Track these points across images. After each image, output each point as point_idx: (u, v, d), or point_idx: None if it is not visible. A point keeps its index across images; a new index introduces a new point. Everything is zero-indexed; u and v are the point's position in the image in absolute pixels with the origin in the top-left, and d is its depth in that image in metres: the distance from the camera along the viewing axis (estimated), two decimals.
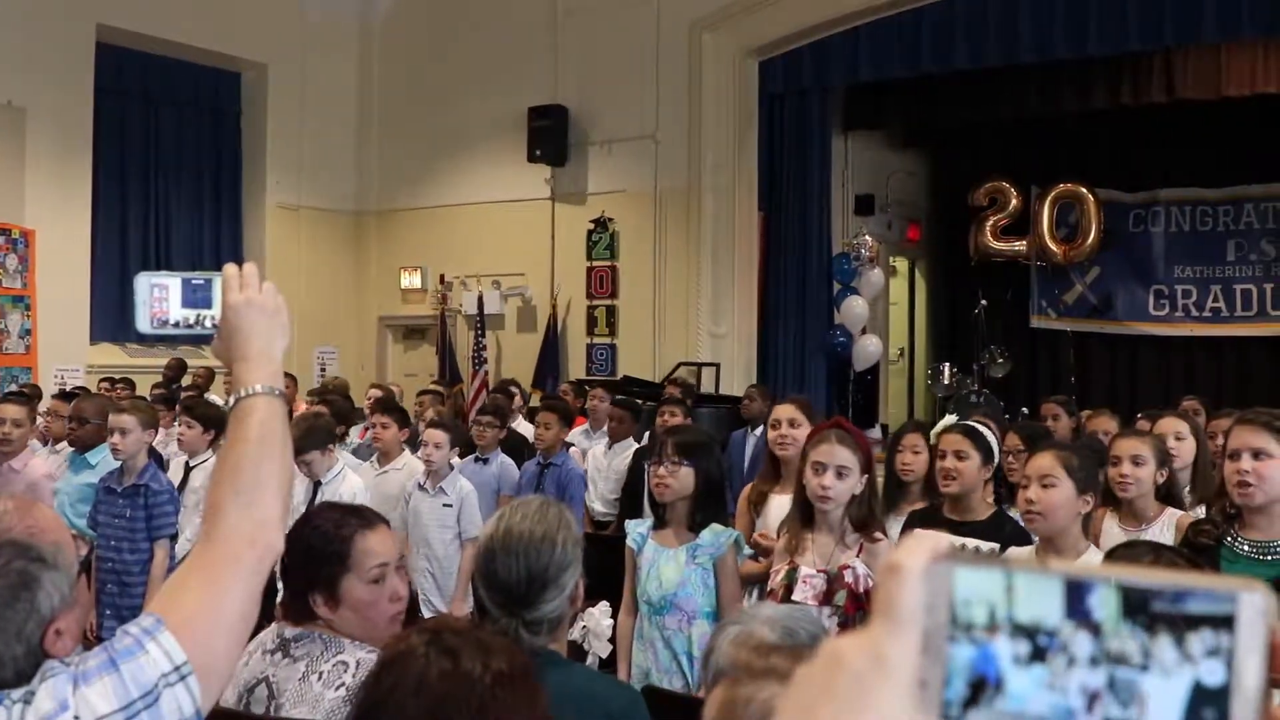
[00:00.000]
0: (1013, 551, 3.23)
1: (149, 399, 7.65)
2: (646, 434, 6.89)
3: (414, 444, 5.76)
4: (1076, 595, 0.47)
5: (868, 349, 11.75)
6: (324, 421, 5.31)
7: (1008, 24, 9.98)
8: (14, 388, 8.28)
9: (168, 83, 12.03)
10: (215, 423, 5.32)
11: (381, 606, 2.27)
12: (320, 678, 2.15)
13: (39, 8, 10.39)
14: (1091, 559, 3.04)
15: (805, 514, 3.32)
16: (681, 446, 3.46)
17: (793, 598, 3.15)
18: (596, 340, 11.69)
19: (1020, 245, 12.97)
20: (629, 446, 6.89)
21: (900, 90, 11.55)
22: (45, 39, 10.41)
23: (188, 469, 5.45)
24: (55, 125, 10.61)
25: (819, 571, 3.21)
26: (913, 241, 13.77)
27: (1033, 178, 12.87)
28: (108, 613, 4.61)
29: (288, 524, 1.59)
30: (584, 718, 2.01)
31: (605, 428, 7.38)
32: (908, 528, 3.72)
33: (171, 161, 12.14)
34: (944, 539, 0.51)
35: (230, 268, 1.65)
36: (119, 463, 4.81)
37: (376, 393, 7.98)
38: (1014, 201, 12.91)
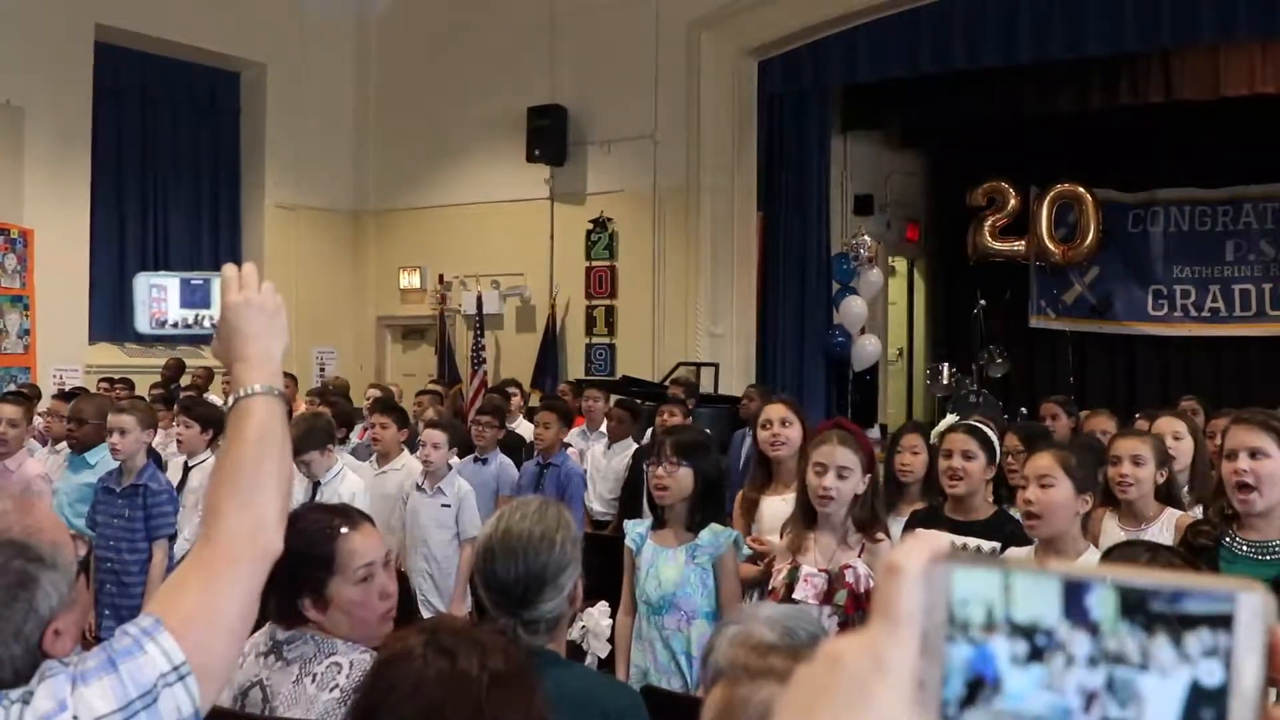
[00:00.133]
0: (1012, 551, 3.23)
1: (147, 399, 7.65)
2: (648, 433, 6.89)
3: (413, 444, 5.76)
4: (1074, 595, 0.47)
5: (866, 349, 11.75)
6: (323, 422, 5.31)
7: (1006, 24, 9.98)
8: (12, 387, 8.27)
9: (166, 82, 12.02)
10: (214, 423, 5.32)
11: (371, 606, 2.25)
12: (314, 680, 2.14)
13: (37, 7, 10.39)
14: (1091, 559, 3.05)
15: (808, 514, 3.32)
16: (680, 447, 3.46)
17: (794, 596, 3.16)
18: (595, 340, 11.69)
19: (1019, 245, 12.99)
20: (628, 446, 6.89)
21: (899, 90, 11.55)
22: (44, 38, 10.40)
23: (186, 469, 5.44)
24: (54, 125, 10.61)
25: (820, 571, 3.21)
26: (911, 241, 13.78)
27: (1031, 178, 12.88)
28: (106, 613, 4.61)
29: None
30: (582, 718, 2.01)
31: (602, 428, 7.39)
32: (909, 528, 3.73)
33: (170, 161, 12.13)
34: (943, 539, 0.51)
35: (229, 268, 1.65)
36: (118, 463, 4.81)
37: (375, 393, 7.98)
38: (1013, 201, 12.93)
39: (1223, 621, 0.45)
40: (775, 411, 4.18)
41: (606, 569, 3.60)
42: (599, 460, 7.05)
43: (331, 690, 2.11)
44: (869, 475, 3.31)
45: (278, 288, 1.66)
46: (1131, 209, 12.98)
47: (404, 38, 12.82)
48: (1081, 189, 12.70)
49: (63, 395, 6.97)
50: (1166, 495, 3.77)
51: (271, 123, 12.47)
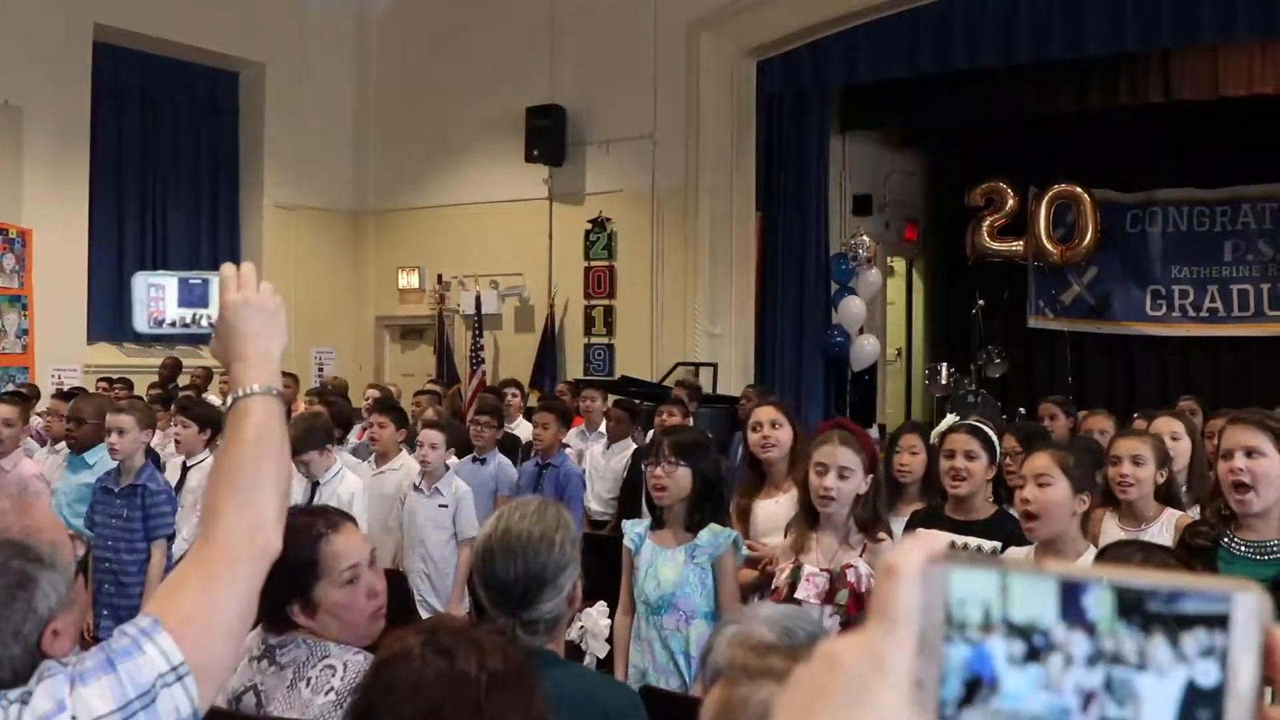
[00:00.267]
0: (1011, 551, 3.23)
1: (145, 399, 7.65)
2: (649, 434, 6.89)
3: (412, 444, 5.76)
4: (1071, 595, 0.47)
5: (865, 349, 11.76)
6: (322, 422, 5.31)
7: (1005, 24, 9.99)
8: (11, 387, 8.27)
9: (165, 82, 12.02)
10: (212, 423, 5.31)
11: (359, 607, 2.24)
12: (309, 684, 2.13)
13: (36, 6, 10.38)
14: (1090, 560, 3.05)
15: (810, 514, 3.32)
16: (678, 447, 3.46)
17: (796, 596, 3.16)
18: (594, 340, 11.69)
19: (1017, 245, 12.99)
20: (627, 447, 6.89)
21: (898, 90, 11.55)
22: (43, 38, 10.40)
23: (185, 469, 5.44)
24: (52, 124, 10.60)
25: (822, 571, 3.21)
26: (910, 242, 13.78)
27: (1030, 178, 12.89)
28: (105, 613, 4.61)
29: None
30: (581, 718, 2.01)
31: (601, 428, 7.38)
32: (910, 528, 3.73)
33: (169, 161, 12.13)
34: (941, 539, 0.51)
35: (228, 267, 1.65)
36: (116, 463, 4.81)
37: (375, 393, 7.97)
38: (1011, 202, 12.93)
39: (1219, 622, 0.45)
40: (765, 414, 4.19)
41: (605, 569, 3.60)
42: (597, 460, 7.05)
43: (327, 694, 2.11)
44: (871, 475, 3.31)
45: (276, 288, 1.66)
46: (1130, 209, 12.99)
47: (403, 38, 12.82)
48: (1080, 189, 12.71)
49: (62, 395, 6.96)
50: (1166, 495, 3.77)
51: (271, 122, 12.46)
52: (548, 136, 11.49)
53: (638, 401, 7.88)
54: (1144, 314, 12.94)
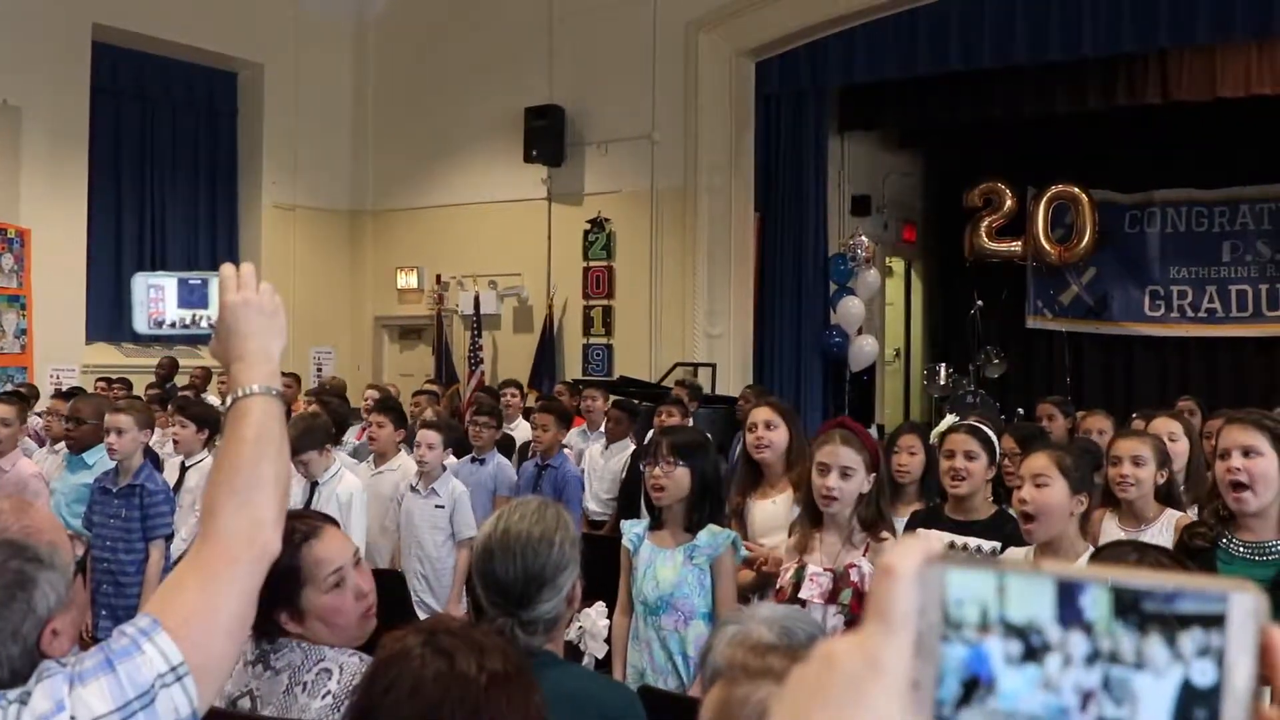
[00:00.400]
0: (1010, 552, 3.23)
1: (143, 399, 7.64)
2: (649, 434, 6.88)
3: (411, 444, 5.76)
4: (1068, 595, 0.47)
5: (864, 349, 11.76)
6: (321, 422, 5.30)
7: (1003, 25, 9.99)
8: (9, 387, 8.26)
9: (164, 82, 12.02)
10: (210, 422, 5.31)
11: (347, 610, 2.22)
12: (305, 689, 2.13)
13: (35, 7, 10.38)
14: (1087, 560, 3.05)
15: (813, 513, 3.32)
16: (676, 447, 3.45)
17: (799, 596, 3.16)
18: (593, 340, 11.69)
19: (1016, 246, 13.00)
20: (626, 447, 6.89)
21: (896, 91, 11.56)
22: (41, 38, 10.39)
23: (183, 469, 5.44)
24: (51, 124, 10.60)
25: (826, 570, 3.21)
26: (909, 242, 13.78)
27: (1028, 178, 12.89)
28: (103, 613, 4.61)
29: None
30: (579, 718, 2.01)
31: (603, 428, 7.38)
32: (910, 528, 3.73)
33: (167, 161, 12.12)
34: (938, 540, 0.51)
35: (227, 268, 1.64)
36: (115, 463, 4.80)
37: (374, 393, 7.97)
38: (1009, 202, 12.94)
39: (1215, 621, 0.46)
40: (761, 415, 4.20)
41: (603, 570, 3.60)
42: (596, 460, 7.05)
43: (324, 697, 2.10)
44: (874, 474, 3.31)
45: (275, 288, 1.66)
46: (1128, 209, 13.00)
47: (401, 38, 12.82)
48: (1078, 190, 12.71)
49: (61, 395, 6.96)
50: (1166, 496, 3.77)
51: (269, 123, 12.46)
52: (546, 137, 11.49)
53: (637, 402, 7.87)
54: (1142, 314, 12.94)
